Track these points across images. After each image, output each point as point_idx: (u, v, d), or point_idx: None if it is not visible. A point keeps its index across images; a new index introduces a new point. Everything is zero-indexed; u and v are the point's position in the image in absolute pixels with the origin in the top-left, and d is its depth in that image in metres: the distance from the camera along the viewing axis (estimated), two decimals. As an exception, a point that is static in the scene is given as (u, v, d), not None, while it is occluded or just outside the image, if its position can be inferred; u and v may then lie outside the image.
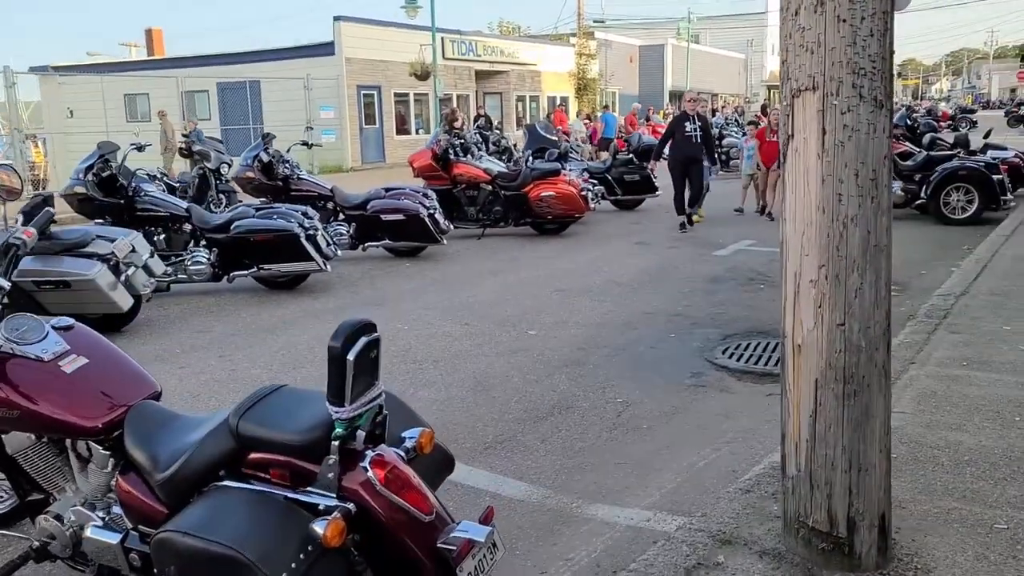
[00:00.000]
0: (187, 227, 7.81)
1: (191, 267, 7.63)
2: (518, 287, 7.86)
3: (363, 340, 2.10)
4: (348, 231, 9.28)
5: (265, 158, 9.23)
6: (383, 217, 9.19)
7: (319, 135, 24.45)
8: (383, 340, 2.15)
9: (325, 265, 7.61)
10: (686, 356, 5.54)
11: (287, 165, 9.33)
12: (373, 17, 25.75)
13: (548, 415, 4.51)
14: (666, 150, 11.24)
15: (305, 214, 7.90)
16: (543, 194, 10.74)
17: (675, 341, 5.96)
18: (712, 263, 8.81)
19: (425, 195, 9.68)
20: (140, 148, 8.79)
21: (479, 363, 5.43)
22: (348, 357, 2.06)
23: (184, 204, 7.91)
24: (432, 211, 9.40)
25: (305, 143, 11.44)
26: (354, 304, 7.25)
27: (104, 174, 7.82)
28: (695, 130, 10.80)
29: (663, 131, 26.71)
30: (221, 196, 14.89)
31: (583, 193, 11.01)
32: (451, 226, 10.01)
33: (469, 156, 11.44)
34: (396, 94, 26.41)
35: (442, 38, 27.49)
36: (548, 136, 13.11)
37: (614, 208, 13.55)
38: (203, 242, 7.69)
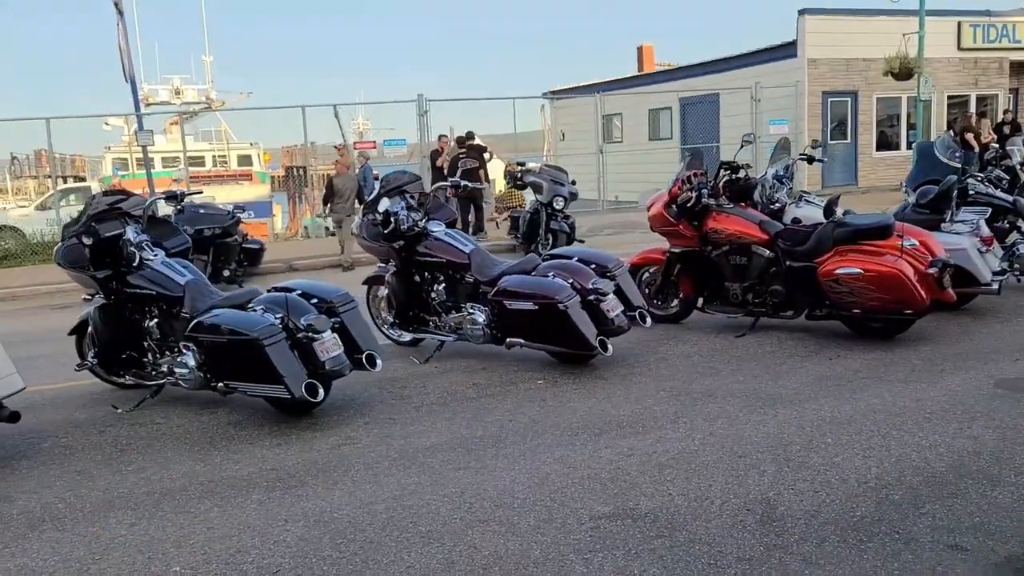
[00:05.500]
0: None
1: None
2: (535, 489, 4.01)
3: None
4: (484, 319, 6.22)
5: (384, 205, 6.46)
6: (507, 304, 5.94)
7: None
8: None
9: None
10: None
11: (415, 218, 6.54)
12: (851, 6, 20.73)
13: None
14: None
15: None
16: (839, 271, 6.12)
17: None
18: (1106, 484, 3.62)
19: (605, 271, 6.12)
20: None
21: None
22: None
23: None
24: (598, 299, 5.82)
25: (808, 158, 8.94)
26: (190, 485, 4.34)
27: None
28: None
29: None
30: (549, 236, 12.84)
31: (932, 272, 6.02)
32: (646, 319, 6.20)
33: (753, 201, 7.25)
34: (880, 100, 21.00)
35: (958, 23, 21.20)
36: (949, 161, 7.87)
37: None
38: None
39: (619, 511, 3.62)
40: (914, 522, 3.38)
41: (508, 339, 6.08)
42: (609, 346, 5.78)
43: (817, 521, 3.43)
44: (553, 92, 29.08)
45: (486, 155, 15.30)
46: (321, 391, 4.88)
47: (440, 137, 16.17)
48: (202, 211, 11.49)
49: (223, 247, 11.42)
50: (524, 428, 4.80)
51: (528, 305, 5.78)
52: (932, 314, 6.39)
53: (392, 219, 6.36)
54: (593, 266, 6.09)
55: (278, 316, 4.99)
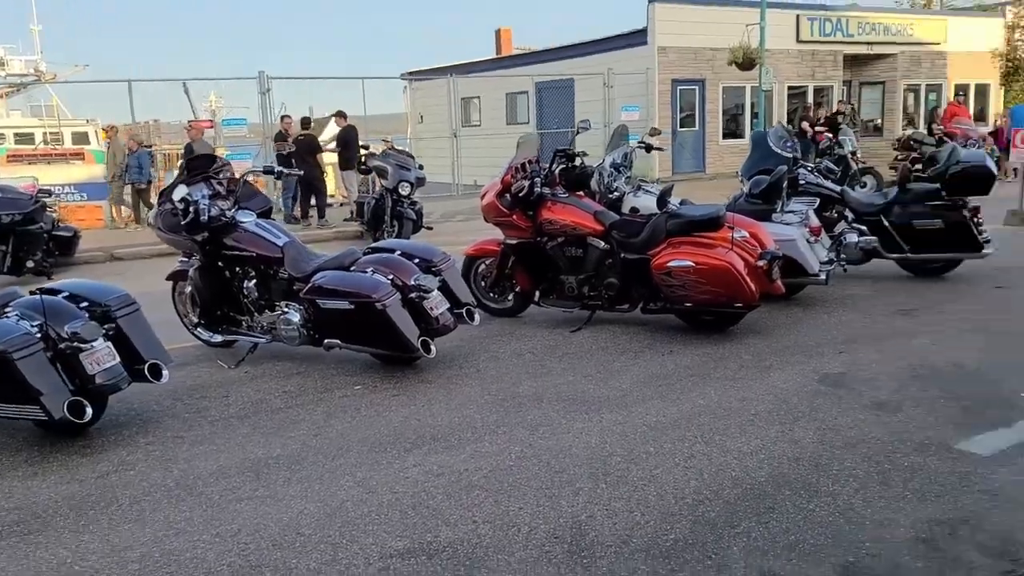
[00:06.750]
0: None
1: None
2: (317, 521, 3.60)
3: None
4: (299, 319, 5.65)
5: (180, 193, 5.64)
6: (320, 303, 5.42)
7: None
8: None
9: None
10: None
11: (222, 207, 5.85)
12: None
13: None
14: None
15: None
16: (671, 264, 5.95)
17: None
18: (915, 500, 3.52)
19: (431, 266, 5.69)
20: None
21: None
22: None
23: None
24: (421, 296, 5.38)
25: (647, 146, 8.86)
26: None
27: None
28: None
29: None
30: (395, 222, 12.32)
31: (761, 264, 5.95)
32: (474, 317, 5.82)
33: (590, 190, 7.01)
34: (726, 89, 21.54)
35: (797, 16, 22.00)
36: (781, 151, 7.91)
37: (902, 272, 7.89)
38: None
39: (415, 546, 3.21)
40: (728, 544, 3.15)
41: (326, 340, 5.57)
42: (433, 347, 5.36)
43: (628, 548, 3.14)
44: (411, 73, 28.35)
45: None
46: (89, 410, 4.20)
47: (283, 118, 15.27)
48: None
49: (26, 235, 10.26)
50: (328, 444, 4.31)
51: (344, 304, 5.28)
52: (764, 305, 6.35)
53: (192, 208, 5.68)
54: (417, 260, 5.64)
55: (35, 324, 4.28)
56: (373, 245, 6.00)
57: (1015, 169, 12.95)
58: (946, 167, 7.42)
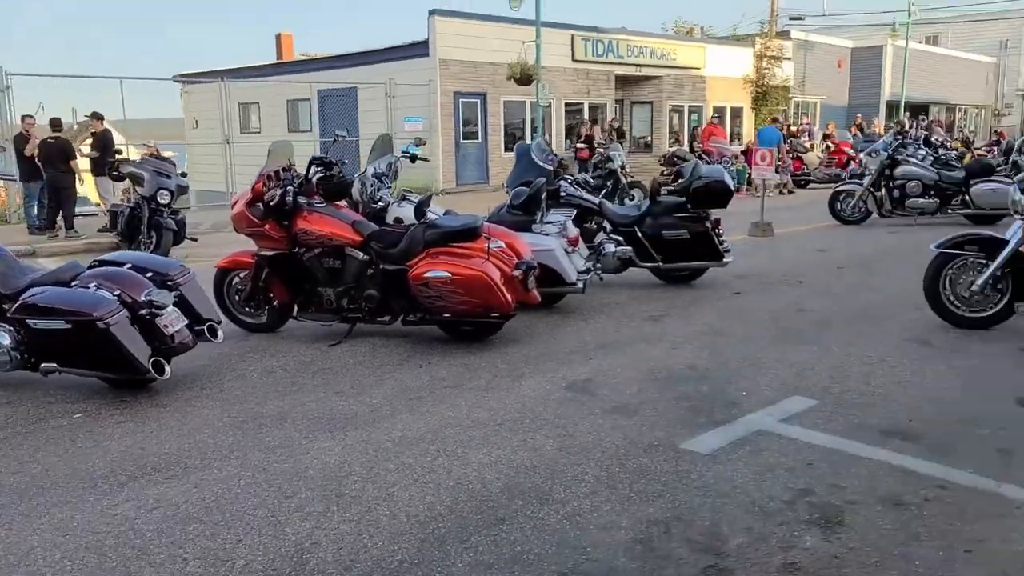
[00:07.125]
0: None
1: None
2: None
3: None
4: (10, 341, 5.01)
5: None
6: (31, 322, 4.84)
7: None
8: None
9: None
10: None
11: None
12: (478, 11, 21.57)
13: None
14: None
15: None
16: (428, 275, 5.89)
17: None
18: (636, 503, 3.63)
19: (166, 280, 5.25)
20: None
21: None
22: None
23: None
24: (152, 313, 4.94)
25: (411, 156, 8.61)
26: None
27: None
28: None
29: (848, 151, 20.57)
30: (153, 234, 11.50)
31: (517, 274, 6.02)
32: (217, 334, 5.44)
33: (352, 200, 6.83)
34: (507, 103, 22.07)
35: (572, 36, 22.98)
36: (542, 164, 8.14)
37: (657, 281, 8.34)
38: None
39: (109, 593, 2.87)
40: (455, 560, 3.07)
41: (42, 365, 4.97)
42: (167, 368, 4.94)
43: (350, 574, 2.98)
44: (184, 75, 26.72)
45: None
46: None
47: (24, 118, 13.78)
48: None
49: None
50: (28, 483, 3.82)
51: (59, 323, 4.74)
52: (525, 314, 6.45)
53: None
54: (151, 275, 5.19)
55: None
56: (100, 258, 5.45)
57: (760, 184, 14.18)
58: (690, 182, 7.93)
